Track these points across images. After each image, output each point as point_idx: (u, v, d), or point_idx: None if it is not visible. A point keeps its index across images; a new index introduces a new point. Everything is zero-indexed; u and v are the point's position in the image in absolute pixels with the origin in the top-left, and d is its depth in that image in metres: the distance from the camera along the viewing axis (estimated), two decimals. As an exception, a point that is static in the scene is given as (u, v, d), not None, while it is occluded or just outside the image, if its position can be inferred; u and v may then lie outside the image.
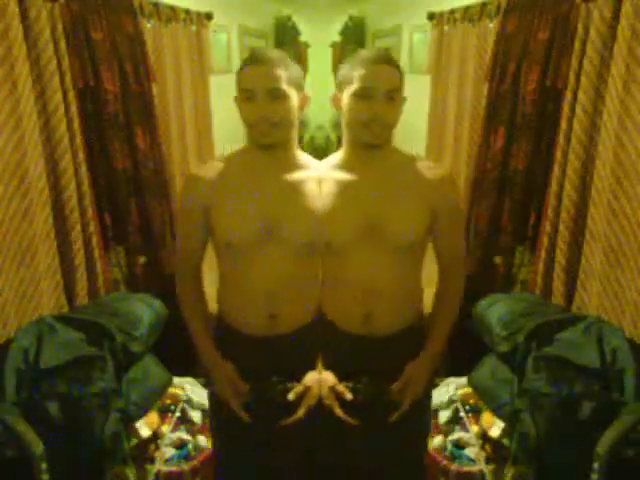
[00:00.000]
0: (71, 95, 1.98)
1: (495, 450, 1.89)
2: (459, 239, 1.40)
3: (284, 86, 1.24)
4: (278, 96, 1.23)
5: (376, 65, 1.24)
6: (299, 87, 1.30)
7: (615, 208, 1.82)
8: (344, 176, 1.31)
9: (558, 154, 2.05)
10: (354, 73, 1.25)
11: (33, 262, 1.83)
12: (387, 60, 1.26)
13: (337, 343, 1.34)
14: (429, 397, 1.49)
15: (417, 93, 1.47)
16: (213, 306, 1.43)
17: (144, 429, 1.88)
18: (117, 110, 2.20)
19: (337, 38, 3.47)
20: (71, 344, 1.64)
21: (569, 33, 2.02)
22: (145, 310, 1.92)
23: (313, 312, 1.35)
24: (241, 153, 1.37)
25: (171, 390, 2.02)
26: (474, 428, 1.98)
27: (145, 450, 1.88)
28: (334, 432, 1.36)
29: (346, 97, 1.27)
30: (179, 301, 1.41)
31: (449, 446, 1.93)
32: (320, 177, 1.33)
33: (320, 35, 3.42)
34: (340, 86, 1.30)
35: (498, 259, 2.45)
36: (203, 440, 1.93)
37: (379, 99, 1.23)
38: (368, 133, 1.25)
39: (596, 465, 1.41)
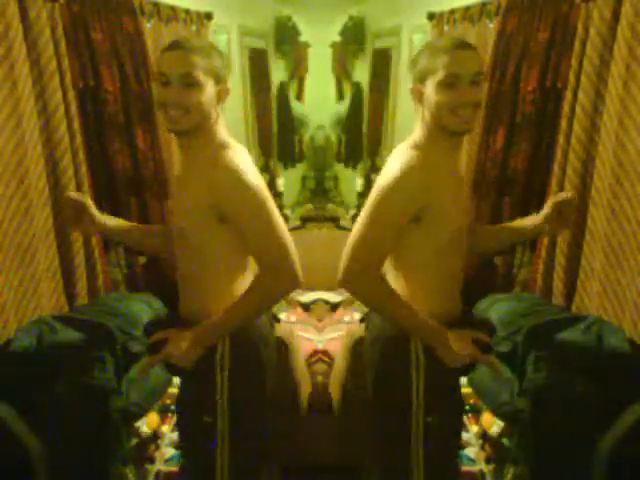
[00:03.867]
0: (71, 95, 1.98)
1: (495, 450, 1.89)
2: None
3: (199, 74, 1.23)
4: (192, 83, 1.23)
5: (459, 51, 1.23)
6: (218, 78, 1.29)
7: (615, 208, 1.82)
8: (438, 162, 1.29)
9: (558, 154, 2.05)
10: (437, 61, 1.23)
11: (33, 262, 1.83)
12: (468, 45, 1.25)
13: None
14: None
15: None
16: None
17: (144, 429, 1.88)
18: (117, 110, 2.21)
19: (337, 38, 3.48)
20: (71, 344, 1.64)
21: (569, 33, 2.02)
22: (145, 310, 1.92)
23: None
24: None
25: (171, 390, 2.02)
26: (474, 428, 1.98)
27: (145, 450, 1.88)
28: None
29: (430, 87, 1.25)
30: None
31: (449, 446, 1.93)
32: None
33: (320, 35, 3.43)
34: (421, 77, 1.28)
35: (498, 259, 2.45)
36: (203, 440, 1.93)
37: (465, 84, 1.23)
38: (457, 120, 1.24)
39: (596, 465, 1.41)
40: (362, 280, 1.30)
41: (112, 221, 1.50)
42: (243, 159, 1.29)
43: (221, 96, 1.31)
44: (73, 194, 1.45)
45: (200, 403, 1.38)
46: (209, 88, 1.26)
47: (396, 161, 1.29)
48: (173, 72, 1.22)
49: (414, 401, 1.34)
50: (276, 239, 1.27)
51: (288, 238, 1.30)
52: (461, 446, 1.57)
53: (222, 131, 1.34)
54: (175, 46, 1.25)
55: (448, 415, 1.40)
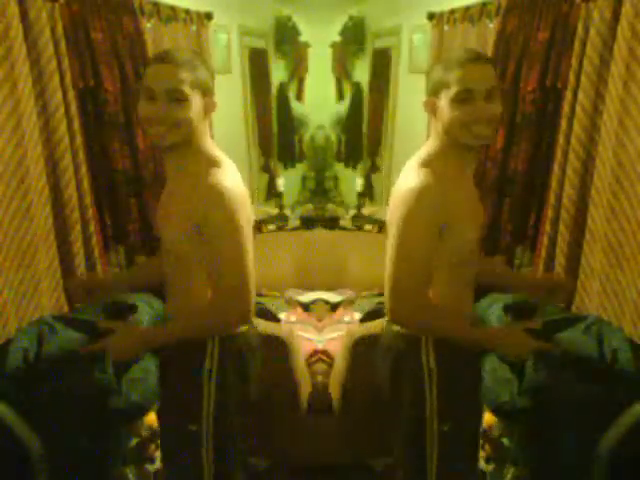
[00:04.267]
0: (71, 95, 1.98)
1: (495, 450, 1.89)
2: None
3: (186, 89, 1.21)
4: (178, 98, 1.20)
5: (473, 65, 1.20)
6: (206, 91, 1.27)
7: (615, 208, 1.82)
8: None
9: (558, 154, 2.05)
10: (450, 75, 1.21)
11: (33, 262, 1.83)
12: (483, 58, 1.23)
13: None
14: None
15: (417, 93, 1.47)
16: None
17: (144, 429, 1.88)
18: (117, 110, 2.21)
19: (337, 38, 3.48)
20: (71, 344, 1.63)
21: (569, 33, 2.02)
22: (145, 310, 1.92)
23: None
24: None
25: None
26: (474, 428, 1.98)
27: (145, 450, 1.88)
28: None
29: (444, 102, 1.23)
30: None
31: (449, 446, 1.93)
32: None
33: (320, 35, 3.42)
34: (435, 90, 1.26)
35: (498, 259, 2.45)
36: (203, 440, 1.93)
37: (479, 99, 1.20)
38: (471, 136, 1.22)
39: (597, 465, 1.41)
40: (415, 312, 1.28)
41: (122, 276, 1.49)
42: (229, 179, 1.27)
43: (208, 109, 1.29)
44: (81, 279, 1.44)
45: (186, 413, 1.38)
46: (196, 102, 1.24)
47: (411, 181, 1.26)
48: (159, 87, 1.20)
49: (427, 411, 1.34)
50: (239, 268, 1.25)
51: (251, 270, 1.28)
52: (476, 458, 1.57)
53: (210, 145, 1.32)
54: (161, 60, 1.22)
55: (463, 423, 1.40)
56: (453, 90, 1.20)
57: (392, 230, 1.29)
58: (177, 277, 1.39)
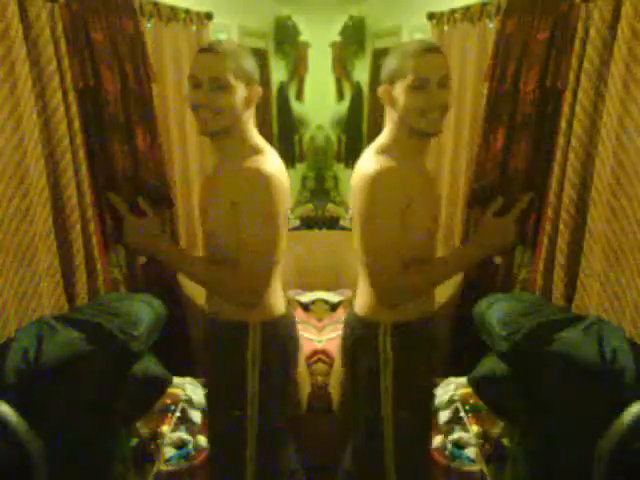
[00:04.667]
0: (71, 95, 1.98)
1: (495, 450, 1.89)
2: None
3: (230, 77, 1.25)
4: (222, 86, 1.25)
5: (428, 54, 1.25)
6: (249, 80, 1.30)
7: (615, 208, 1.82)
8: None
9: (558, 154, 2.05)
10: (406, 65, 1.25)
11: (33, 262, 1.83)
12: (436, 48, 1.28)
13: None
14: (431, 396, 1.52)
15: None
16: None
17: (144, 429, 1.88)
18: (117, 110, 2.20)
19: (337, 38, 3.47)
20: (71, 344, 1.64)
21: (569, 33, 2.02)
22: (145, 310, 1.92)
23: None
24: None
25: (171, 390, 2.02)
26: (474, 428, 1.98)
27: (145, 450, 1.88)
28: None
29: (399, 90, 1.27)
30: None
31: (449, 446, 1.93)
32: None
33: (320, 35, 3.42)
34: (390, 79, 1.30)
35: (498, 259, 2.45)
36: (203, 440, 1.94)
37: (434, 87, 1.25)
38: (426, 122, 1.27)
39: (597, 465, 1.41)
40: (398, 287, 1.31)
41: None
42: (270, 165, 1.30)
43: (252, 98, 1.32)
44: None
45: (231, 398, 1.43)
46: (239, 91, 1.27)
47: (369, 167, 1.29)
48: (204, 75, 1.25)
49: (383, 396, 1.38)
50: (266, 250, 1.30)
51: (278, 258, 1.34)
52: (430, 442, 1.63)
53: (254, 133, 1.36)
54: (206, 49, 1.27)
55: (418, 410, 1.44)
56: (410, 78, 1.24)
57: (357, 219, 1.33)
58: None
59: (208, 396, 1.56)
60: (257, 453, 1.43)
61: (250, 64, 1.31)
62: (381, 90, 1.33)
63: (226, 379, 1.45)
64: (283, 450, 1.55)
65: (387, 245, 1.28)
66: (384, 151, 1.32)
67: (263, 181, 1.25)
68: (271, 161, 1.33)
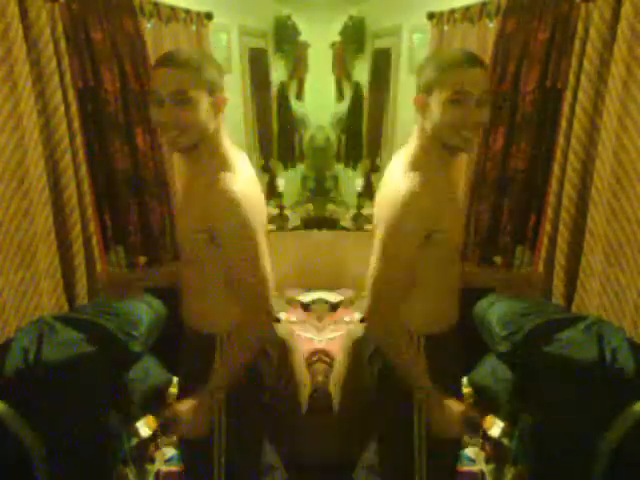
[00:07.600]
0: (71, 95, 1.98)
1: (495, 450, 1.89)
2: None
3: (190, 90, 1.19)
4: (184, 100, 1.19)
5: (469, 69, 1.19)
6: (213, 89, 1.24)
7: (615, 208, 1.82)
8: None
9: (558, 154, 2.05)
10: (446, 76, 1.20)
11: (33, 262, 1.83)
12: (479, 61, 1.21)
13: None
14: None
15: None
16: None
17: (144, 429, 1.88)
18: (117, 110, 2.20)
19: (337, 38, 3.47)
20: (71, 344, 1.64)
21: (569, 33, 2.02)
22: (145, 310, 1.92)
23: None
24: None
25: (171, 390, 2.02)
26: (474, 428, 1.98)
27: (145, 450, 1.88)
28: None
29: (436, 101, 1.21)
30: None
31: (449, 446, 1.93)
32: None
33: (320, 35, 3.41)
34: (426, 88, 1.24)
35: (498, 259, 2.45)
36: (203, 440, 1.93)
37: (472, 104, 1.19)
38: (459, 139, 1.22)
39: (597, 465, 1.41)
40: (385, 319, 1.30)
41: None
42: (240, 183, 1.25)
43: (219, 107, 1.27)
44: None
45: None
46: (203, 102, 1.22)
47: (400, 185, 1.25)
48: (164, 91, 1.19)
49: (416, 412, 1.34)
50: (256, 270, 1.27)
51: (269, 272, 1.30)
52: (460, 453, 1.59)
53: (224, 144, 1.31)
54: (162, 63, 1.21)
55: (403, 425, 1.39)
56: (448, 91, 1.19)
57: (379, 229, 1.29)
58: (191, 278, 1.39)
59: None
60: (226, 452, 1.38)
61: (212, 72, 1.24)
62: (416, 99, 1.28)
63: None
64: (256, 447, 1.52)
65: (395, 270, 1.26)
66: (416, 168, 1.26)
67: (235, 205, 1.21)
68: (240, 175, 1.28)
